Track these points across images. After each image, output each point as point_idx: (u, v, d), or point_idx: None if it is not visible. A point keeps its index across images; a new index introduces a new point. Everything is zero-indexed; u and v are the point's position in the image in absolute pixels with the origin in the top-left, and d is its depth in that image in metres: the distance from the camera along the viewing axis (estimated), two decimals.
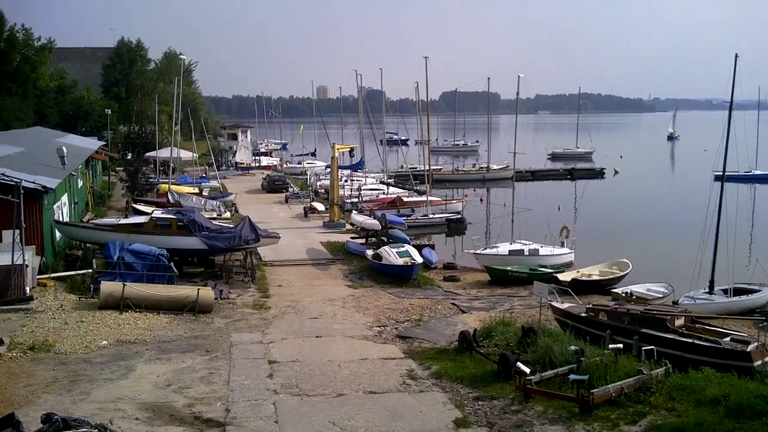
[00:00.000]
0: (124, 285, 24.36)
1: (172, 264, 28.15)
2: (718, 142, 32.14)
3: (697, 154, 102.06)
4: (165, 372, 18.40)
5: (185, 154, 72.50)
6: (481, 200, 67.94)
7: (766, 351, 19.13)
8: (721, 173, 32.26)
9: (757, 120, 76.02)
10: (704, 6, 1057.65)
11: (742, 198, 56.03)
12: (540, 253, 38.01)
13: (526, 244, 38.66)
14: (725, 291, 30.65)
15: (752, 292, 30.82)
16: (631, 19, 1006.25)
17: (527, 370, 16.36)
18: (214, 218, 40.62)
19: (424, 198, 55.11)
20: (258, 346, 21.05)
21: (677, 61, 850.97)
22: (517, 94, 51.48)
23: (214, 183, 65.24)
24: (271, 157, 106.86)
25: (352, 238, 40.19)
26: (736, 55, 31.58)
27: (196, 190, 55.81)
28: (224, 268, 31.15)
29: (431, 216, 52.34)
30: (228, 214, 47.29)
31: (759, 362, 18.47)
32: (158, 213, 33.40)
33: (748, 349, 18.61)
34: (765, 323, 22.72)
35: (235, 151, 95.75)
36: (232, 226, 34.33)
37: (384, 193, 60.23)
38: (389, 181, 67.20)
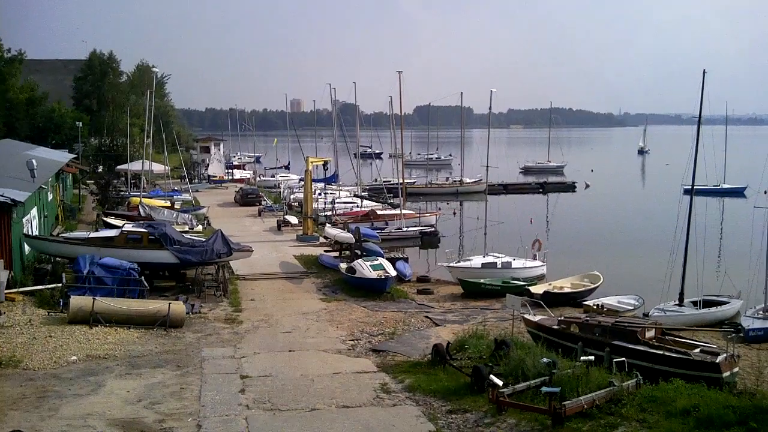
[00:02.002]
0: (94, 299, 24.03)
1: (143, 278, 27.81)
2: (685, 156, 32.68)
3: (667, 167, 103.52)
4: (135, 387, 18.17)
5: (157, 167, 71.95)
6: (455, 213, 68.19)
7: (734, 362, 19.43)
8: (690, 187, 32.77)
9: (725, 134, 77.20)
10: (673, 24, 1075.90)
11: (711, 211, 56.87)
12: (512, 266, 38.27)
13: (498, 257, 38.90)
14: (695, 303, 31.08)
15: (721, 304, 31.30)
16: (603, 36, 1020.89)
17: (500, 383, 16.41)
18: (185, 232, 40.24)
19: (397, 211, 55.20)
20: (230, 361, 20.87)
21: (647, 77, 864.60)
22: (490, 108, 51.89)
23: (186, 196, 64.75)
24: (244, 170, 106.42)
25: (325, 251, 40.12)
26: (704, 72, 32.23)
27: (168, 204, 55.32)
28: (196, 282, 30.87)
29: (405, 229, 52.45)
30: (200, 228, 46.88)
31: (728, 373, 18.76)
32: (129, 226, 33.03)
33: (717, 361, 18.89)
34: (734, 335, 23.05)
35: (208, 164, 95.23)
36: (204, 239, 34.03)
37: (358, 207, 60.18)
38: (363, 194, 67.21)
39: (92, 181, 68.46)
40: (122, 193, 61.85)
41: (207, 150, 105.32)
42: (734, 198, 75.09)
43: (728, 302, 31.40)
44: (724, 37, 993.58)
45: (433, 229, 53.80)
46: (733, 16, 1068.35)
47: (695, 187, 32.76)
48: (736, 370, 19.40)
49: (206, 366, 20.25)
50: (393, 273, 33.06)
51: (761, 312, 29.53)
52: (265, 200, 65.68)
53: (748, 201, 62.69)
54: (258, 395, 17.77)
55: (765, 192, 31.39)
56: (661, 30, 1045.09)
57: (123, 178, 70.92)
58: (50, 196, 44.99)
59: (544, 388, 15.94)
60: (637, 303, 31.85)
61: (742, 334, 27.12)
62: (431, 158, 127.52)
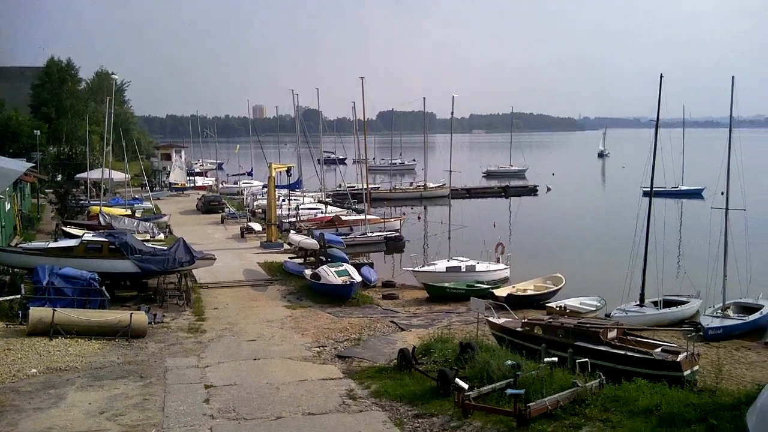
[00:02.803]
0: (54, 310, 23.58)
1: (103, 288, 27.40)
2: (644, 159, 33.26)
3: (627, 170, 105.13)
4: (97, 399, 17.86)
5: (117, 175, 71.02)
6: (419, 218, 68.42)
7: (695, 360, 19.79)
8: (649, 189, 33.35)
9: (683, 137, 78.67)
10: (630, 30, 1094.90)
11: (670, 213, 57.79)
12: (476, 270, 38.53)
13: (463, 261, 39.13)
14: (655, 303, 31.64)
15: (681, 303, 31.92)
16: (562, 42, 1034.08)
17: (465, 386, 16.48)
18: (147, 240, 39.79)
19: (362, 217, 55.17)
20: (194, 371, 20.64)
21: (605, 81, 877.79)
22: (452, 113, 52.16)
23: (147, 204, 63.97)
24: (207, 177, 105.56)
25: (290, 258, 39.95)
26: (661, 76, 32.84)
27: (129, 212, 54.63)
28: (158, 291, 30.53)
29: (369, 234, 52.45)
30: (162, 236, 46.36)
31: (688, 371, 19.09)
32: (89, 236, 32.54)
33: (678, 360, 19.20)
34: (693, 334, 23.48)
35: (169, 172, 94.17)
36: (165, 248, 33.69)
37: (322, 213, 60.08)
38: (327, 200, 67.07)
39: (51, 191, 67.21)
40: (82, 202, 60.91)
41: (168, 157, 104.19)
42: (692, 199, 76.51)
43: (688, 302, 32.03)
44: (681, 43, 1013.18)
45: (397, 234, 53.89)
46: (688, 22, 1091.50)
47: (654, 189, 33.36)
48: (696, 368, 19.74)
49: (169, 376, 19.99)
50: (358, 279, 33.04)
51: (720, 311, 30.20)
52: (227, 207, 65.19)
53: (705, 202, 63.96)
54: (223, 404, 17.59)
55: (722, 193, 31.99)
56: (619, 37, 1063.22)
57: (82, 187, 69.81)
58: (8, 206, 44.05)
59: (509, 390, 16.05)
60: (599, 304, 32.31)
61: (701, 333, 27.67)
62: (395, 163, 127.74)
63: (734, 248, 31.51)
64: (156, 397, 18.15)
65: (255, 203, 66.38)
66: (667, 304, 31.63)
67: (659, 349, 20.21)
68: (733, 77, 32.28)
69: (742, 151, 31.56)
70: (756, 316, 30.24)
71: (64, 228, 44.04)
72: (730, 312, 30.39)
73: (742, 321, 29.64)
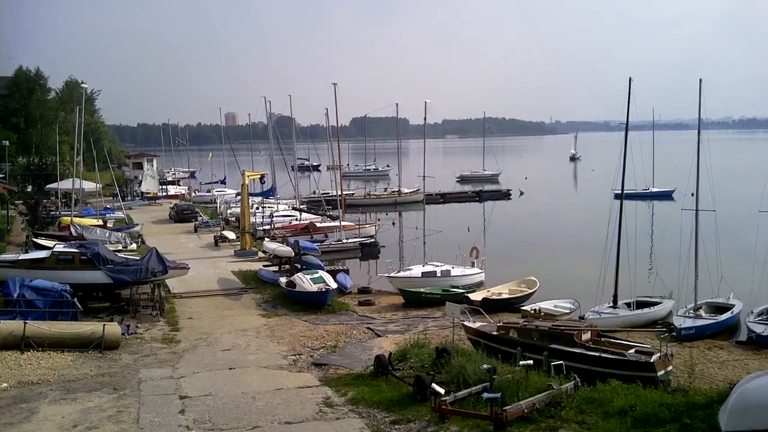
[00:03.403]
0: (25, 323, 23.23)
1: (75, 300, 27.07)
2: (615, 162, 33.63)
3: (598, 173, 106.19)
4: (71, 413, 17.64)
5: (88, 185, 70.28)
6: (394, 224, 68.46)
7: (668, 361, 20.02)
8: (620, 192, 33.70)
9: (653, 140, 79.67)
10: (600, 33, 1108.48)
11: (641, 214, 58.54)
12: (452, 274, 38.65)
13: (438, 266, 39.22)
14: (628, 304, 31.95)
15: (654, 304, 32.29)
16: (533, 46, 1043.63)
17: (442, 391, 16.53)
18: (119, 251, 39.42)
19: (337, 223, 55.11)
20: (168, 382, 20.45)
21: (576, 85, 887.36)
22: (425, 119, 52.35)
23: (119, 214, 63.34)
24: (179, 185, 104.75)
25: (264, 266, 39.75)
26: (630, 79, 33.21)
27: (100, 222, 54.03)
28: (131, 302, 30.21)
29: (344, 241, 52.39)
30: (134, 246, 45.95)
31: (662, 372, 19.30)
32: (60, 247, 32.13)
33: (652, 360, 19.41)
34: (666, 334, 23.77)
35: (141, 181, 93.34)
36: (138, 258, 33.39)
37: (296, 220, 59.89)
38: (302, 207, 66.91)
39: (21, 202, 66.34)
40: (52, 212, 60.11)
41: (140, 166, 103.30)
42: (663, 201, 77.37)
43: (660, 302, 32.41)
44: (650, 46, 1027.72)
45: (372, 240, 53.89)
46: (658, 26, 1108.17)
47: (625, 191, 33.71)
48: (669, 368, 19.96)
49: (144, 387, 19.79)
50: (333, 285, 32.96)
51: (692, 311, 30.59)
52: (201, 216, 64.74)
53: (676, 203, 64.66)
54: (198, 415, 17.45)
55: (692, 195, 32.46)
56: (590, 39, 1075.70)
57: (53, 198, 68.92)
58: None
59: (486, 394, 16.12)
60: (572, 306, 32.58)
61: (674, 333, 28.03)
62: (369, 169, 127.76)
63: (705, 249, 31.94)
64: (130, 409, 17.96)
65: (228, 211, 65.96)
66: (640, 305, 31.97)
67: (633, 350, 20.43)
68: (701, 80, 32.78)
69: (711, 153, 32.01)
70: (727, 315, 30.68)
71: (35, 239, 43.39)
72: (702, 312, 30.79)
73: (713, 321, 30.06)
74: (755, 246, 31.69)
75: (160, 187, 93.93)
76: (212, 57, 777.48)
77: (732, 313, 30.93)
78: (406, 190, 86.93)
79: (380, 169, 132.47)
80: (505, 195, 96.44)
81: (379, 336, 26.96)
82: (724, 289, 32.52)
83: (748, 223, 39.18)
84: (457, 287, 36.85)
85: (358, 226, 56.57)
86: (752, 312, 30.08)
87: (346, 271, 39.94)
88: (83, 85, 70.22)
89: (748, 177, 46.83)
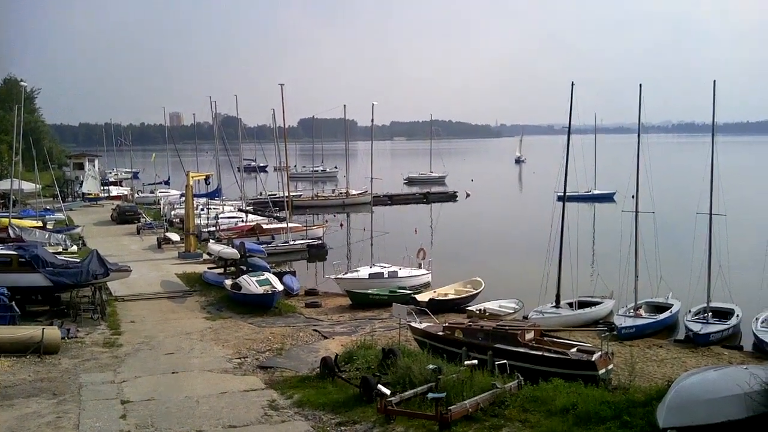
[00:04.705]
0: None
1: (13, 303, 26.38)
2: (556, 165, 34.27)
3: (543, 176, 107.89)
4: (7, 420, 17.15)
5: (27, 186, 68.45)
6: (341, 225, 68.36)
7: (609, 359, 20.43)
8: (562, 194, 34.31)
9: (595, 143, 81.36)
10: (544, 39, 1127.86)
11: (583, 216, 59.65)
12: (399, 276, 38.81)
13: (385, 267, 39.34)
14: (570, 304, 32.55)
15: (595, 304, 32.97)
16: (479, 49, 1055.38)
17: (388, 392, 16.55)
18: (59, 253, 38.57)
19: (284, 225, 54.76)
20: (110, 386, 20.06)
21: (520, 89, 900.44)
22: (372, 121, 52.58)
23: (59, 215, 61.79)
24: (121, 186, 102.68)
25: (209, 268, 39.23)
26: (573, 84, 33.88)
27: (40, 224, 52.66)
28: (71, 305, 29.53)
29: (291, 243, 52.09)
30: (75, 248, 44.96)
31: (603, 370, 19.68)
32: None
33: (593, 359, 19.79)
34: (607, 333, 24.25)
35: (82, 182, 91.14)
36: (79, 260, 32.66)
37: (243, 221, 59.29)
38: (248, 208, 66.22)
39: None
40: None
41: (81, 166, 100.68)
42: (604, 203, 78.96)
43: (601, 302, 33.12)
44: (593, 52, 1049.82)
45: (320, 242, 53.73)
46: (598, 31, 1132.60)
47: (567, 193, 34.36)
48: (610, 367, 20.37)
49: (84, 392, 19.38)
50: (280, 287, 32.76)
51: (632, 310, 31.33)
52: (144, 217, 63.60)
53: (617, 206, 66.08)
54: (140, 420, 17.14)
55: (632, 197, 33.24)
56: (533, 45, 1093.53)
57: None
58: None
59: (431, 394, 16.22)
60: (517, 306, 33.05)
61: (615, 332, 28.64)
62: (317, 171, 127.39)
63: (644, 250, 32.77)
64: (70, 414, 17.57)
65: (172, 213, 64.99)
66: (582, 305, 32.61)
67: (575, 349, 20.79)
68: (640, 85, 33.57)
69: (651, 156, 32.82)
70: (666, 314, 31.52)
71: None
72: (641, 311, 31.57)
73: (653, 320, 30.84)
74: (692, 247, 32.59)
75: (102, 187, 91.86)
76: (156, 56, 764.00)
77: (671, 312, 31.80)
78: (354, 192, 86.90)
79: (328, 170, 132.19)
80: (451, 197, 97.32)
81: (325, 338, 26.90)
82: (663, 289, 33.43)
83: (685, 224, 40.19)
84: (404, 288, 37.01)
85: (305, 228, 56.34)
86: (690, 311, 31.01)
87: (293, 273, 39.75)
88: (22, 83, 68.36)
89: (687, 179, 48.23)
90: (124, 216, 63.55)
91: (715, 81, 30.98)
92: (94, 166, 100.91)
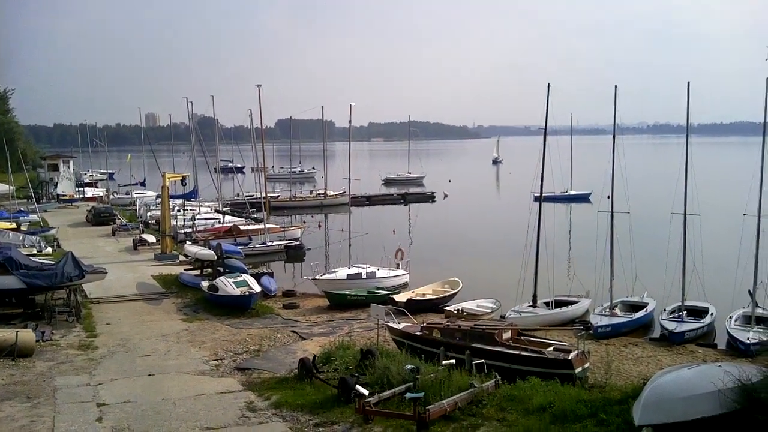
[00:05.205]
0: None
1: None
2: (533, 166, 34.50)
3: (519, 176, 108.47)
4: None
5: (1, 187, 67.58)
6: (319, 226, 68.28)
7: (585, 358, 20.61)
8: (539, 194, 34.54)
9: (571, 144, 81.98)
10: (519, 42, 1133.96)
11: (559, 216, 60.03)
12: (377, 276, 38.82)
13: (363, 268, 39.33)
14: (547, 304, 32.80)
15: (571, 303, 33.23)
16: (456, 51, 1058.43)
17: (366, 392, 16.55)
18: (33, 255, 38.23)
19: (261, 226, 54.57)
20: (85, 389, 19.85)
21: (497, 91, 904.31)
22: (350, 122, 52.41)
23: (33, 217, 61.07)
24: (97, 187, 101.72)
25: (186, 269, 39.00)
26: (549, 85, 34.12)
27: (14, 225, 52.01)
28: (46, 307, 29.17)
29: (269, 244, 51.91)
30: (49, 250, 44.53)
31: (579, 369, 19.86)
32: None
33: (570, 358, 19.95)
34: (583, 332, 24.46)
35: (57, 183, 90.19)
36: (53, 262, 32.29)
37: (219, 222, 59.01)
38: (225, 209, 65.95)
39: None
40: None
41: (56, 168, 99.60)
42: (580, 204, 79.64)
43: (578, 301, 33.39)
44: (569, 54, 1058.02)
45: (298, 243, 53.59)
46: (575, 33, 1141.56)
47: (544, 194, 34.60)
48: (587, 365, 20.56)
49: (59, 396, 19.16)
50: (257, 289, 32.62)
51: (608, 309, 31.61)
52: (119, 219, 63.08)
53: (593, 206, 66.68)
54: (116, 423, 16.98)
55: (608, 197, 33.52)
56: (511, 47, 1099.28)
57: None
58: None
59: (409, 394, 16.24)
60: (494, 306, 33.20)
61: (591, 331, 28.87)
62: (294, 171, 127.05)
63: (620, 249, 33.08)
64: (45, 418, 17.36)
65: (148, 214, 64.52)
66: (559, 304, 32.85)
67: (551, 348, 20.94)
68: (616, 87, 33.90)
69: (626, 157, 33.13)
70: (641, 313, 31.85)
71: None
72: (617, 310, 31.86)
73: (628, 319, 31.14)
74: (667, 247, 32.96)
75: (77, 189, 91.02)
76: (132, 56, 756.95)
77: (646, 311, 32.13)
78: (332, 193, 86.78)
79: (305, 171, 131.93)
80: (429, 197, 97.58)
81: (303, 339, 26.83)
82: (638, 288, 33.75)
83: (660, 224, 40.67)
84: (382, 289, 37.03)
85: (283, 229, 56.18)
86: (665, 310, 31.34)
87: (271, 274, 39.62)
88: None
89: (662, 180, 48.69)
90: (99, 217, 62.98)
91: (689, 83, 31.33)
92: (68, 167, 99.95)
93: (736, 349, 27.41)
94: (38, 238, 47.33)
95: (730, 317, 29.83)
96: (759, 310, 29.60)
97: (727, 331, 28.79)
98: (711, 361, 23.99)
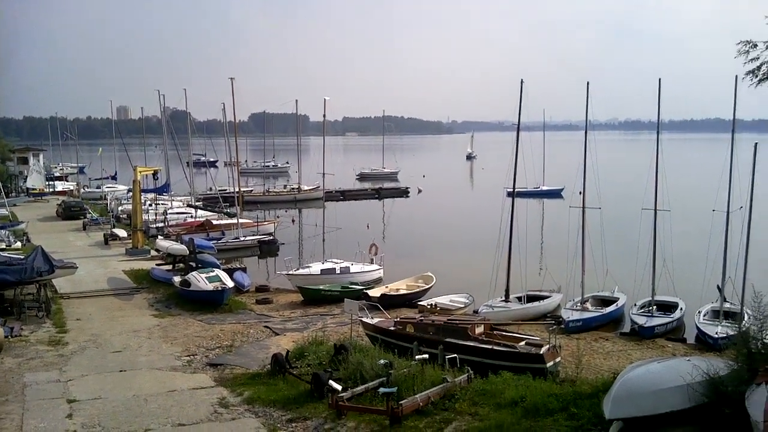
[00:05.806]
0: None
1: None
2: (506, 161, 34.71)
3: (492, 172, 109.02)
4: None
5: None
6: (293, 221, 68.06)
7: (556, 352, 20.80)
8: (512, 190, 34.74)
9: (543, 140, 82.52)
10: (491, 37, 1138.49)
11: (532, 212, 60.41)
12: (351, 271, 38.85)
13: (337, 263, 39.34)
14: (519, 298, 33.03)
15: (543, 298, 33.52)
16: (430, 46, 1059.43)
17: (339, 387, 16.56)
18: (2, 249, 37.65)
19: (234, 220, 54.24)
20: (55, 385, 19.63)
21: (471, 86, 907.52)
22: (324, 116, 52.17)
23: (2, 211, 60.11)
24: (67, 181, 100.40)
25: (157, 264, 38.68)
26: (522, 81, 34.28)
27: None
28: (15, 303, 28.73)
29: (242, 238, 51.67)
30: (18, 245, 43.94)
31: (551, 363, 20.05)
32: None
33: (541, 352, 20.12)
34: (555, 327, 24.67)
35: (26, 177, 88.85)
36: (22, 257, 31.82)
37: (192, 217, 58.54)
38: (197, 204, 65.43)
39: None
40: None
41: (25, 161, 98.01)
42: (553, 199, 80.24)
43: (550, 296, 33.69)
44: (542, 50, 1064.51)
45: (271, 238, 53.40)
46: (545, 29, 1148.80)
47: (517, 189, 34.82)
48: (558, 359, 20.75)
49: (29, 392, 18.92)
50: (230, 284, 32.44)
51: (579, 304, 31.93)
52: (90, 213, 62.25)
53: (565, 201, 67.28)
54: (87, 419, 16.81)
55: (579, 193, 33.81)
56: (486, 42, 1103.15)
57: None
58: None
59: (382, 389, 16.27)
60: (467, 301, 33.36)
61: (562, 326, 29.16)
62: (268, 166, 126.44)
63: (591, 245, 33.41)
64: (13, 415, 17.14)
65: (119, 208, 63.83)
66: (531, 299, 33.12)
67: (523, 343, 21.11)
68: (588, 83, 34.19)
69: (598, 153, 33.45)
70: (612, 308, 32.22)
71: None
72: (588, 305, 32.22)
73: (599, 313, 31.49)
74: (638, 242, 33.35)
75: (47, 183, 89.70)
76: (103, 48, 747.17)
77: (616, 305, 32.51)
78: (306, 188, 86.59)
79: (279, 165, 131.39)
80: (403, 192, 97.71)
81: (277, 334, 26.76)
82: (609, 283, 34.15)
83: (631, 220, 41.15)
84: (356, 284, 37.06)
85: (256, 224, 55.92)
86: (635, 305, 31.77)
87: (244, 270, 39.47)
88: None
89: (633, 176, 49.23)
90: (69, 212, 62.20)
91: (660, 80, 31.69)
92: (38, 160, 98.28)
93: (705, 344, 27.83)
94: (7, 232, 46.68)
95: (699, 312, 30.28)
96: (727, 305, 30.06)
97: (696, 326, 29.23)
98: (680, 355, 24.37)
